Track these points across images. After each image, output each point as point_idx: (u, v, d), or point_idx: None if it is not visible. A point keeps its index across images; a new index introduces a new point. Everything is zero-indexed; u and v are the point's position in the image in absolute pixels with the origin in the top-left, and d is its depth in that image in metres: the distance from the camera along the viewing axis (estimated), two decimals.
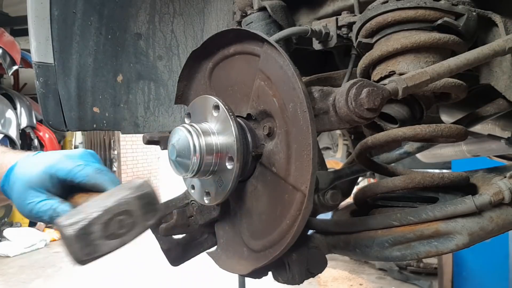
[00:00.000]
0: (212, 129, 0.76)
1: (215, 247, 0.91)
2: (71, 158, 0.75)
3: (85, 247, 0.61)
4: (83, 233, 0.61)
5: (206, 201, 0.81)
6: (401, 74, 0.84)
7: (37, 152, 0.80)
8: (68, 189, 0.74)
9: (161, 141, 0.88)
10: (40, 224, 7.55)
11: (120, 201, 0.64)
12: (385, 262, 4.94)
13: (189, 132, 0.75)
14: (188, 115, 0.84)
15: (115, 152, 9.70)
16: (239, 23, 1.21)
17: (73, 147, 8.78)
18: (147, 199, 0.67)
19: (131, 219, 0.65)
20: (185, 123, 0.78)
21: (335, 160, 3.39)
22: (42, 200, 0.72)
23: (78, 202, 0.71)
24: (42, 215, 0.72)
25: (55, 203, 0.72)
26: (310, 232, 0.90)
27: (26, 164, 0.76)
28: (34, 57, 1.16)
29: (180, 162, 0.76)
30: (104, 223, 0.62)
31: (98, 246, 0.62)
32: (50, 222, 0.71)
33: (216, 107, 0.76)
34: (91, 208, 0.63)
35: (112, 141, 9.46)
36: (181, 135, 0.76)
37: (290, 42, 1.16)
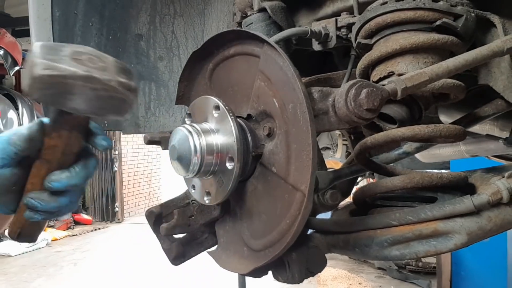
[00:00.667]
0: (213, 130, 0.77)
1: (216, 246, 0.91)
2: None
3: (49, 54, 0.59)
4: (51, 47, 0.60)
5: (207, 201, 0.81)
6: (400, 74, 0.85)
7: None
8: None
9: (162, 141, 0.88)
10: None
11: (98, 51, 0.63)
12: (384, 261, 4.94)
13: (190, 132, 0.76)
14: (189, 115, 0.85)
15: (116, 152, 9.70)
16: (239, 24, 1.21)
17: None
18: (124, 68, 0.65)
19: (103, 64, 0.62)
20: (186, 123, 0.79)
21: (335, 160, 3.39)
22: None
23: None
24: None
25: None
26: (309, 231, 0.91)
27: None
28: None
29: (181, 162, 0.77)
30: (76, 51, 0.60)
31: (62, 61, 0.59)
32: None
33: (217, 108, 0.77)
34: None
35: (113, 141, 9.46)
36: (182, 135, 0.76)
37: (290, 43, 1.17)
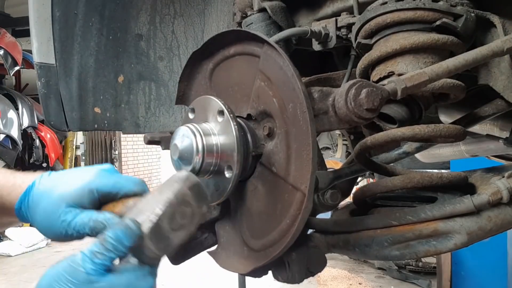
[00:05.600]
0: (213, 130, 0.77)
1: (216, 246, 0.91)
2: (109, 172, 0.72)
3: (159, 242, 0.62)
4: (155, 229, 0.62)
5: None
6: (400, 74, 0.85)
7: (49, 172, 0.73)
8: (99, 203, 0.71)
9: (162, 141, 0.88)
10: None
11: (177, 194, 0.64)
12: (384, 261, 4.94)
13: (192, 132, 0.76)
14: (192, 110, 0.84)
15: (116, 152, 9.71)
16: (239, 24, 1.21)
17: (74, 147, 8.79)
18: (197, 189, 0.67)
19: (190, 209, 0.65)
20: (187, 123, 0.79)
21: (335, 160, 3.39)
22: (80, 213, 0.67)
23: (114, 210, 0.69)
24: (82, 229, 0.67)
25: (94, 214, 0.67)
26: (309, 231, 0.91)
27: (54, 182, 0.70)
28: (36, 58, 1.17)
29: (182, 161, 0.77)
30: (170, 217, 0.63)
31: (170, 239, 0.63)
32: (91, 235, 0.67)
33: (219, 110, 0.77)
34: (150, 206, 0.63)
35: (113, 141, 9.47)
36: (183, 135, 0.77)
37: (290, 43, 1.17)
